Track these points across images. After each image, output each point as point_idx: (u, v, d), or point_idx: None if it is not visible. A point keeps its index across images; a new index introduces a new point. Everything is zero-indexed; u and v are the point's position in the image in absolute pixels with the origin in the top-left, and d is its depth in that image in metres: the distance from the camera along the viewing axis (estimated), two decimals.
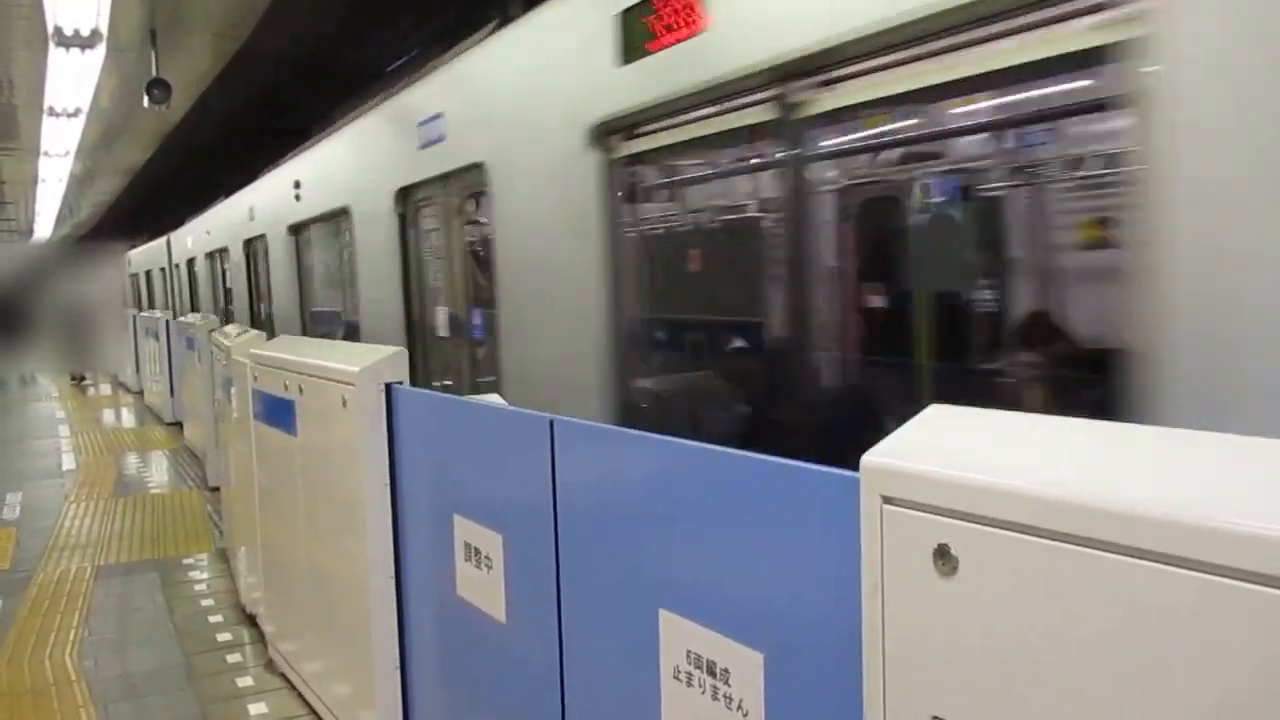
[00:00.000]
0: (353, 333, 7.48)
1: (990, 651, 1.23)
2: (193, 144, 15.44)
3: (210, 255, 13.92)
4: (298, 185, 8.69)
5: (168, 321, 12.64)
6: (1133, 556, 1.08)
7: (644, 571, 2.04)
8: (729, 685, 1.79)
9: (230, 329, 6.36)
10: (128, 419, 14.18)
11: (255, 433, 4.62)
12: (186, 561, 6.61)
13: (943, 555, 1.26)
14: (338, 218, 7.65)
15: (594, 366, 4.01)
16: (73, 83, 10.49)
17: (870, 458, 1.37)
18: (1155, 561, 1.06)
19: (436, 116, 5.51)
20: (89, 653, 4.95)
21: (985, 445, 1.35)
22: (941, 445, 1.37)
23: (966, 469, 1.26)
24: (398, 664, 3.34)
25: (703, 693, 1.85)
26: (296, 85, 11.48)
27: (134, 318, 16.57)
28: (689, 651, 1.88)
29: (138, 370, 16.33)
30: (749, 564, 1.75)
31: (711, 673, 1.83)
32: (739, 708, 1.77)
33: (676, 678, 1.92)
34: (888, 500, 1.34)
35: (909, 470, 1.32)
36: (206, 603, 5.72)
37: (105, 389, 18.31)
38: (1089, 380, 2.64)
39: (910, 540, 1.31)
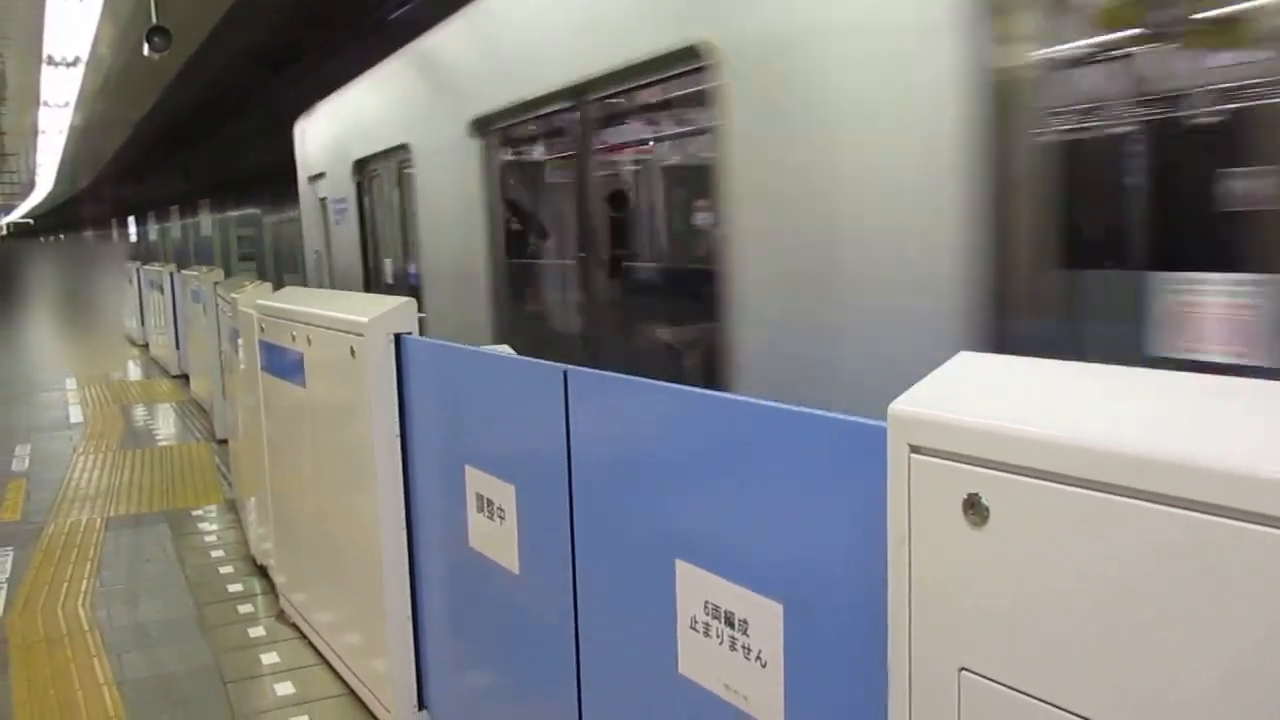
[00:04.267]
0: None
1: (1021, 603, 1.20)
2: (194, 93, 15.29)
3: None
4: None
5: (172, 274, 12.60)
6: (1170, 505, 1.05)
7: (660, 522, 2.02)
8: (747, 636, 1.78)
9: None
10: (134, 372, 14.19)
11: (263, 384, 4.60)
12: (196, 513, 6.63)
13: (973, 506, 1.24)
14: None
15: None
16: (71, 30, 10.36)
17: (898, 406, 1.34)
18: (1193, 510, 1.03)
19: None
20: (101, 603, 4.98)
21: (1016, 392, 1.32)
22: (971, 393, 1.34)
23: (998, 417, 1.23)
24: (409, 614, 3.35)
25: (720, 643, 1.84)
26: (297, 32, 11.33)
27: (137, 270, 16.52)
28: (706, 602, 1.87)
29: (142, 323, 16.33)
30: (769, 514, 1.72)
31: (730, 624, 1.82)
32: (758, 658, 1.76)
33: (694, 628, 1.91)
34: (915, 450, 1.31)
35: (938, 419, 1.29)
36: (217, 554, 5.75)
37: (111, 342, 18.32)
38: None
39: (939, 490, 1.28)
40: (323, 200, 9.21)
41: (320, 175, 8.90)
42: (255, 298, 4.76)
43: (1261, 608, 0.99)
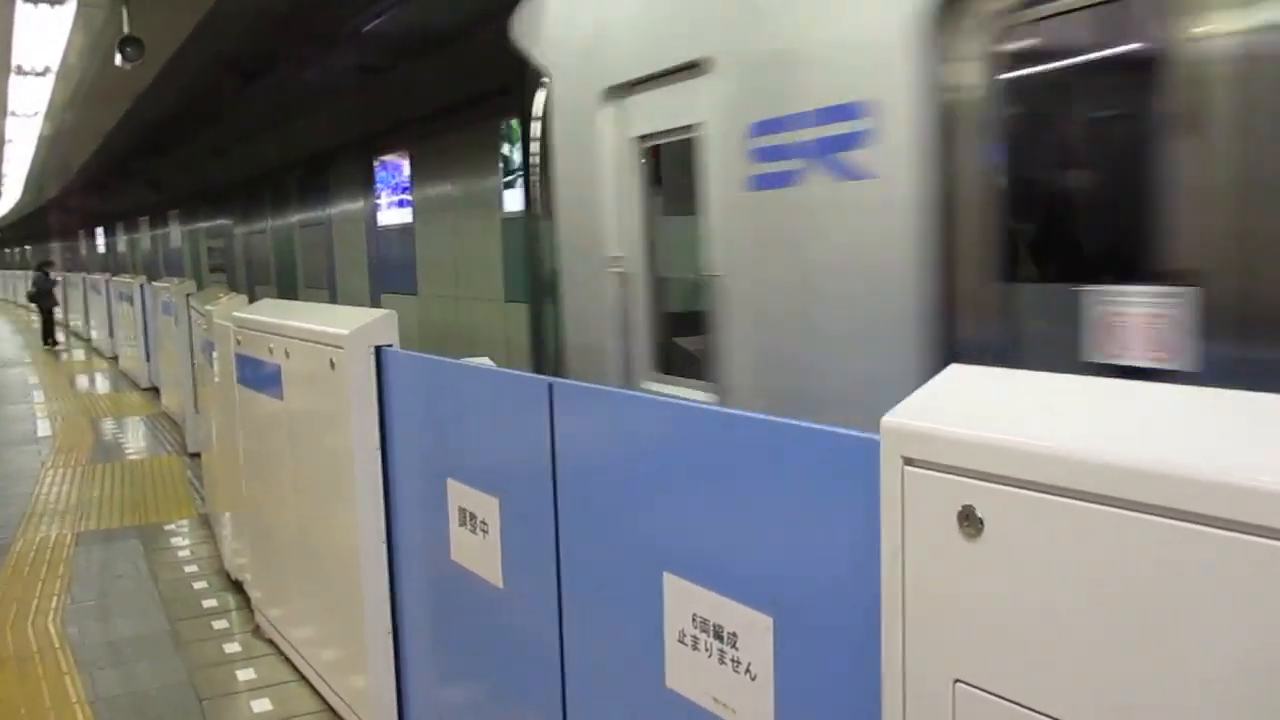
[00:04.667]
0: None
1: (1016, 615, 1.21)
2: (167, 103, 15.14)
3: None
4: None
5: (142, 286, 12.47)
6: (1165, 516, 1.05)
7: (648, 535, 2.02)
8: (737, 649, 1.77)
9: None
10: (102, 385, 14.02)
11: (239, 397, 4.56)
12: (168, 528, 6.55)
13: (967, 518, 1.24)
14: None
15: None
16: (41, 40, 10.25)
17: (891, 418, 1.34)
18: (1187, 521, 1.04)
19: None
20: (72, 620, 4.90)
21: (1010, 405, 1.32)
22: (964, 405, 1.34)
23: (992, 429, 1.24)
24: (389, 629, 3.32)
25: (709, 656, 1.83)
26: (271, 43, 11.26)
27: (106, 281, 16.34)
28: (695, 615, 1.86)
29: (111, 335, 16.14)
30: (759, 527, 1.72)
31: (718, 636, 1.81)
32: (747, 671, 1.75)
33: (681, 641, 1.90)
34: (909, 462, 1.31)
35: (932, 431, 1.29)
36: (190, 569, 5.68)
37: (79, 354, 18.10)
38: None
39: (933, 503, 1.28)
40: (643, 140, 3.89)
41: (660, 77, 3.65)
42: (231, 310, 4.72)
43: (1256, 618, 0.99)
